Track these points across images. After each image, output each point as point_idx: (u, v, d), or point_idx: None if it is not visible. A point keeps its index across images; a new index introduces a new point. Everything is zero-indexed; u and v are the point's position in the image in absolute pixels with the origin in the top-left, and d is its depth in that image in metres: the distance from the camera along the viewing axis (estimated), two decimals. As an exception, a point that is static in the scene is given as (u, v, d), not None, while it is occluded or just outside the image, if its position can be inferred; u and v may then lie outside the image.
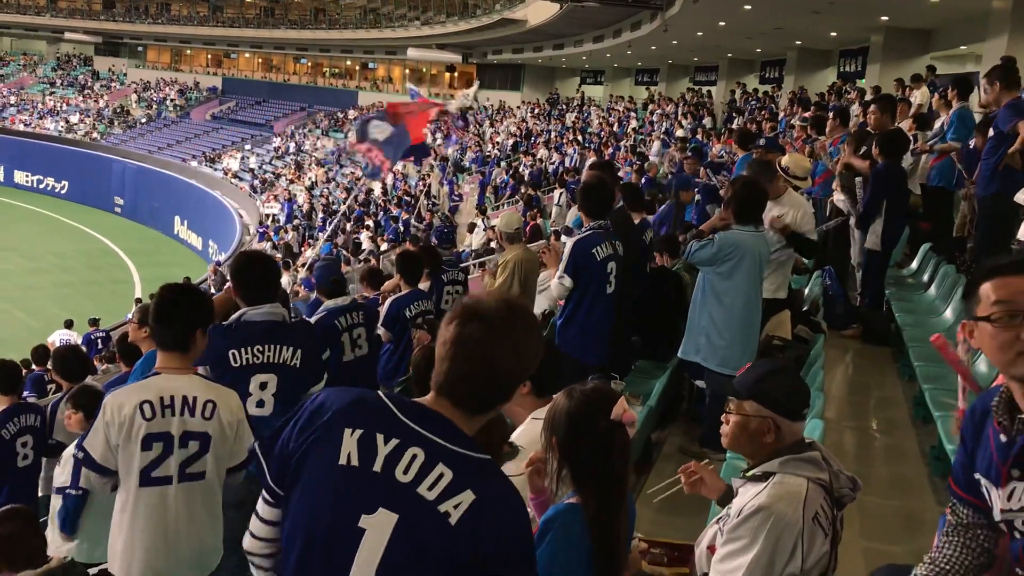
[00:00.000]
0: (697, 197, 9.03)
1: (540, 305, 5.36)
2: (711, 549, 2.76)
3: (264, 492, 1.99)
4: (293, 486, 1.90)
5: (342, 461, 1.83)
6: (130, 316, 5.30)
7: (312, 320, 5.53)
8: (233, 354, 3.99)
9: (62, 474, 4.55)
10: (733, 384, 2.82)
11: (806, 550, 2.55)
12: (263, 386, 4.08)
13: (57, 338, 15.90)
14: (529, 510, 2.55)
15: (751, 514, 2.57)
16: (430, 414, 1.89)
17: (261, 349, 4.06)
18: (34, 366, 10.19)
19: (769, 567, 2.55)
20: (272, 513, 1.98)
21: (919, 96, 13.52)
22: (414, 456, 1.83)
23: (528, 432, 3.05)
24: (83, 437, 3.37)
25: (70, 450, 4.56)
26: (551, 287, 5.37)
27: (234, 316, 4.12)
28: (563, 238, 5.54)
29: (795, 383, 2.76)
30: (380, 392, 1.96)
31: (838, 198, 7.84)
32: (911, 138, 8.41)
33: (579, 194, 5.49)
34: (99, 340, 16.07)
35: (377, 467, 1.83)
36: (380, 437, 1.84)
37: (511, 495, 1.90)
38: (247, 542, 2.05)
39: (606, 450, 2.32)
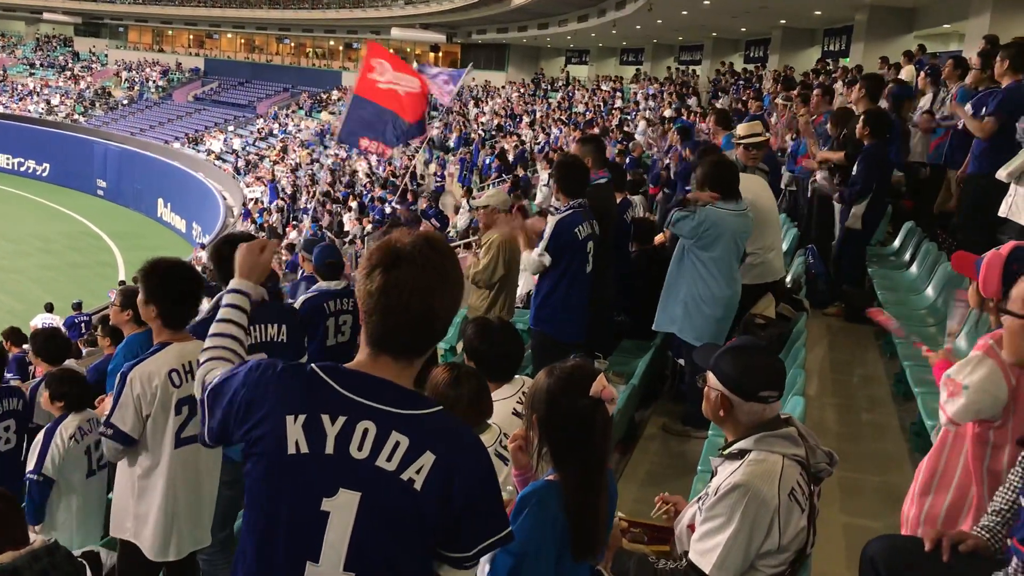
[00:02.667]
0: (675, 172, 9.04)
1: (526, 285, 5.31)
2: (691, 528, 2.78)
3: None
4: (247, 468, 1.85)
5: (291, 451, 1.77)
6: (112, 299, 5.27)
7: (302, 299, 5.47)
8: None
9: (28, 461, 4.54)
10: (703, 354, 2.87)
11: (783, 526, 2.58)
12: None
13: (39, 322, 15.77)
14: (512, 487, 2.57)
15: (727, 491, 2.60)
16: (372, 382, 1.83)
17: (250, 331, 4.06)
18: (11, 348, 10.12)
19: (747, 543, 2.58)
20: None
21: (905, 74, 13.53)
22: (365, 430, 1.78)
23: (498, 411, 3.11)
24: (109, 415, 3.49)
25: (39, 437, 4.55)
26: (525, 260, 5.31)
27: (212, 302, 4.09)
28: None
29: (755, 363, 2.76)
30: (313, 367, 1.85)
31: (821, 176, 7.86)
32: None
33: (555, 173, 5.44)
34: (82, 324, 15.97)
35: (329, 449, 1.77)
36: (326, 418, 1.78)
37: (469, 444, 1.87)
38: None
39: (586, 427, 2.32)
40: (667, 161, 10.97)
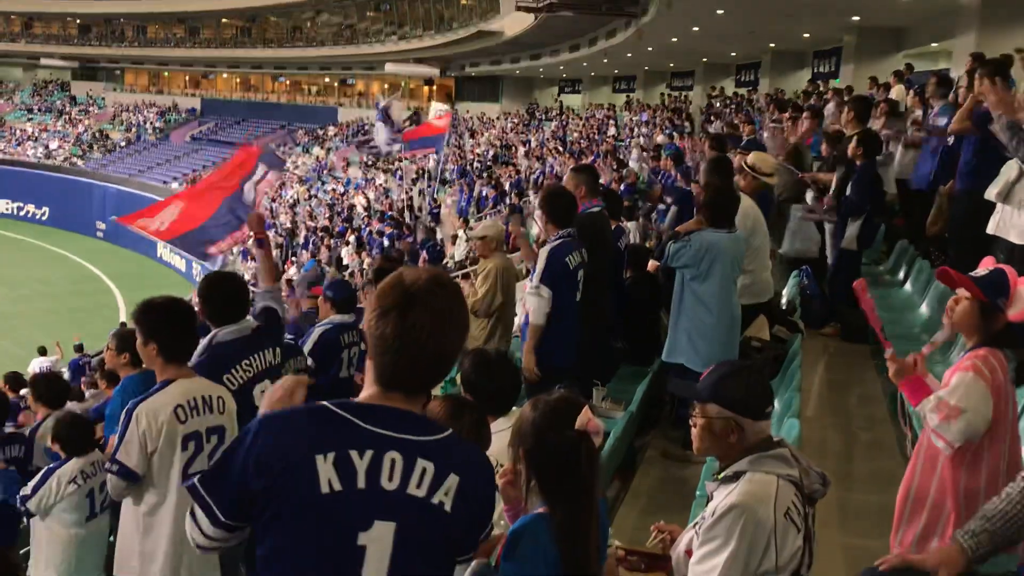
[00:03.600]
0: (669, 200, 9.11)
1: (538, 314, 5.22)
2: (688, 553, 2.78)
3: (210, 522, 1.92)
4: (266, 522, 1.84)
5: (324, 490, 1.79)
6: (107, 343, 5.31)
7: (318, 331, 5.53)
8: (228, 378, 4.02)
9: (27, 487, 4.61)
10: (695, 388, 2.83)
11: (779, 546, 2.58)
12: (263, 393, 4.11)
13: (36, 366, 15.81)
14: (504, 522, 2.58)
15: (724, 513, 2.60)
16: (390, 413, 1.87)
17: (249, 362, 4.12)
18: (9, 393, 10.12)
19: (744, 564, 2.58)
20: (220, 534, 1.93)
21: (895, 93, 13.65)
22: (393, 461, 1.82)
23: (495, 444, 3.12)
24: (115, 452, 3.51)
25: (42, 472, 4.60)
26: (529, 302, 5.25)
27: (204, 341, 4.11)
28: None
29: (753, 382, 2.77)
30: (328, 405, 1.87)
31: (810, 196, 7.92)
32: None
33: (543, 203, 5.46)
34: (86, 366, 15.99)
35: (361, 484, 1.80)
36: (354, 453, 1.80)
37: (482, 463, 2.00)
38: (200, 541, 1.97)
39: (572, 460, 2.32)
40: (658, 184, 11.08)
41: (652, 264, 7.00)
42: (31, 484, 4.57)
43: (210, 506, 1.89)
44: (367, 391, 1.92)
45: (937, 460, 2.91)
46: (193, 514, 1.94)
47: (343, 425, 1.84)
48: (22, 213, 41.64)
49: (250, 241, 5.23)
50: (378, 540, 1.80)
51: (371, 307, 1.90)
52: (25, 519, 4.67)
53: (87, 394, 12.02)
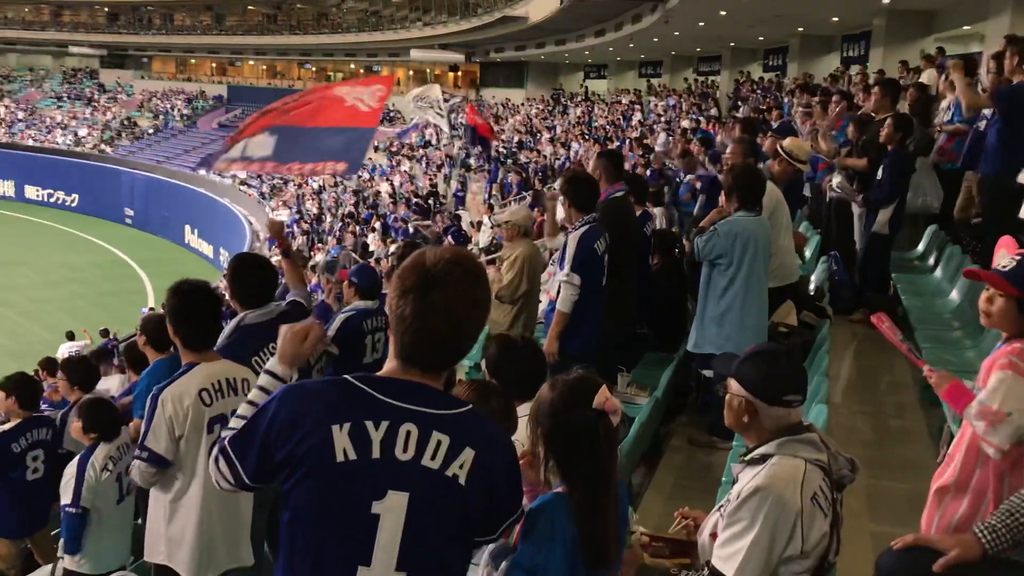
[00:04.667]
0: (698, 186, 9.04)
1: (566, 303, 5.18)
2: (713, 536, 2.76)
3: (233, 479, 2.00)
4: (288, 489, 1.89)
5: (339, 459, 1.83)
6: (138, 329, 5.34)
7: (342, 317, 5.54)
8: (256, 361, 4.05)
9: (64, 494, 4.58)
10: (723, 362, 2.86)
11: (805, 531, 2.56)
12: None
13: (64, 351, 16.01)
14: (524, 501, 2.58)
15: (749, 495, 2.59)
16: (407, 386, 1.91)
17: (276, 346, 4.10)
18: (46, 378, 10.25)
19: (769, 548, 2.56)
20: (244, 488, 2.03)
21: (926, 78, 13.44)
22: (408, 432, 1.86)
23: (521, 428, 3.11)
24: (143, 439, 3.52)
25: (71, 468, 4.60)
26: (563, 290, 5.20)
27: (232, 323, 4.13)
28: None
29: (777, 368, 2.75)
30: (348, 378, 1.92)
31: (836, 182, 7.82)
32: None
33: (566, 188, 5.40)
34: (114, 350, 16.18)
35: (376, 454, 1.84)
36: (369, 424, 1.85)
37: (500, 438, 1.99)
38: (224, 486, 2.04)
39: (590, 439, 2.31)
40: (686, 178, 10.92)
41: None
42: (68, 491, 4.53)
43: (236, 468, 1.98)
44: (388, 365, 1.96)
45: (979, 453, 2.85)
46: (217, 462, 2.02)
47: (360, 396, 1.89)
48: (52, 200, 42.11)
49: (275, 250, 5.18)
50: (392, 509, 1.83)
51: (393, 287, 1.92)
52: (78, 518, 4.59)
53: (117, 379, 12.18)
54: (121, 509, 4.74)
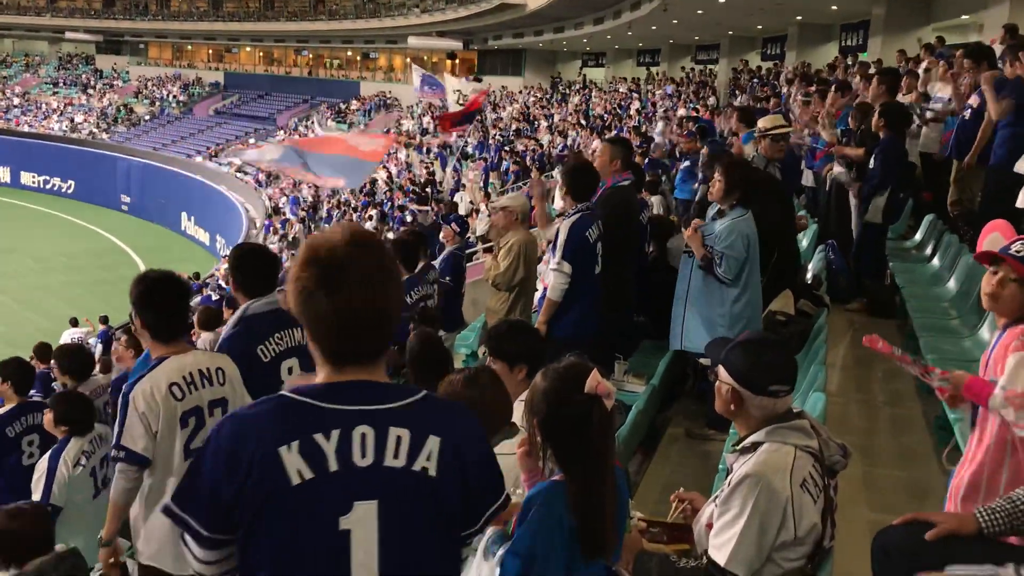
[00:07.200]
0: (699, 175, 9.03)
1: (556, 291, 5.17)
2: (709, 526, 2.77)
3: (196, 543, 1.76)
4: (248, 525, 1.71)
5: (295, 481, 1.68)
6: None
7: None
8: (261, 350, 4.03)
9: (35, 490, 4.54)
10: (714, 349, 2.88)
11: (797, 517, 2.57)
12: (290, 371, 4.13)
13: (67, 337, 15.99)
14: (522, 490, 2.57)
15: (738, 483, 2.61)
16: (351, 387, 1.76)
17: (281, 336, 4.12)
18: (38, 364, 10.23)
19: (760, 535, 2.57)
20: (212, 555, 1.76)
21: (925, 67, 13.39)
22: (363, 435, 1.71)
23: (518, 413, 3.11)
24: (118, 439, 3.41)
25: (43, 464, 4.57)
26: (553, 278, 5.19)
27: (237, 313, 4.12)
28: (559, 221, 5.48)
29: (765, 357, 2.75)
30: (284, 393, 1.77)
31: (837, 170, 7.82)
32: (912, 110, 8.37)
33: (566, 176, 5.38)
34: (113, 337, 16.15)
35: (333, 466, 1.69)
36: (319, 437, 1.70)
37: (464, 419, 1.87)
38: (199, 568, 1.79)
39: (584, 425, 2.31)
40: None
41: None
42: (39, 487, 4.48)
43: (189, 523, 1.75)
44: (320, 373, 1.80)
45: (1008, 442, 2.83)
46: (184, 540, 1.79)
47: (303, 410, 1.73)
48: (48, 186, 42.01)
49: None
50: (362, 521, 1.70)
51: (292, 292, 1.76)
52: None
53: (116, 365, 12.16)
54: (97, 504, 4.65)
